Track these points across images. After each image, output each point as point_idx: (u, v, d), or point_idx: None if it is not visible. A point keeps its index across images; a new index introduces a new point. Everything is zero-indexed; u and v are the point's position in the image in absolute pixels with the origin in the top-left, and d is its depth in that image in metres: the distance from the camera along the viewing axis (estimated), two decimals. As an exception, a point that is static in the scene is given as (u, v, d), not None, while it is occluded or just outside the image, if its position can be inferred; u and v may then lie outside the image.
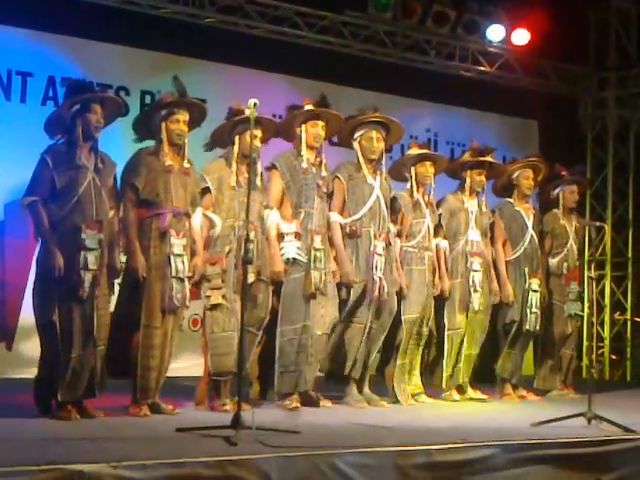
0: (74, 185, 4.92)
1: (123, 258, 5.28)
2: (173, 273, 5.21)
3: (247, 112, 5.28)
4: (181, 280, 5.24)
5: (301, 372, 5.78)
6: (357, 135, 6.16)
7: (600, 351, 10.08)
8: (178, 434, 4.42)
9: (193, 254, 5.39)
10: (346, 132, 6.19)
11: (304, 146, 5.90)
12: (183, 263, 5.25)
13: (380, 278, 6.02)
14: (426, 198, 6.56)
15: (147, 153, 5.35)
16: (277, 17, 8.57)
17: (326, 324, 5.86)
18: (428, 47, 9.30)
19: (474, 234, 6.81)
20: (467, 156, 6.94)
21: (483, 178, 6.88)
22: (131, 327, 5.20)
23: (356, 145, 6.16)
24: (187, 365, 7.16)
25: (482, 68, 9.59)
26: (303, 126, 5.93)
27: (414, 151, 6.58)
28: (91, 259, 4.89)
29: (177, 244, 5.24)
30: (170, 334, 5.28)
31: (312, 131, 5.92)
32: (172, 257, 5.22)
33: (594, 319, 9.71)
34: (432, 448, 4.25)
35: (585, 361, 9.72)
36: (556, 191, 7.52)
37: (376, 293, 6.00)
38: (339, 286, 6.01)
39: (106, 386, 5.11)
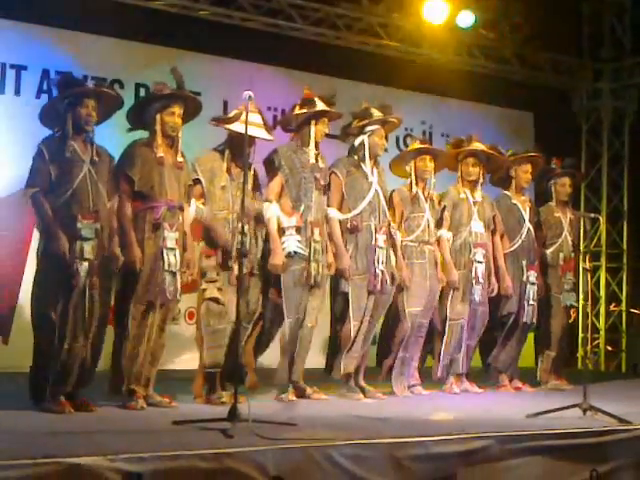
0: (69, 177, 4.93)
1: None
2: (166, 266, 5.20)
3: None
4: (173, 273, 5.24)
5: (295, 363, 5.80)
6: (369, 130, 6.13)
7: (595, 342, 10.09)
8: (175, 427, 4.43)
9: (185, 248, 5.37)
10: (356, 127, 6.15)
11: (312, 143, 5.90)
12: (175, 257, 5.24)
13: (382, 271, 6.04)
14: (426, 193, 6.57)
15: (141, 144, 5.33)
16: (271, 9, 8.56)
17: (315, 316, 5.88)
18: (422, 39, 9.29)
19: (477, 225, 6.81)
20: (450, 147, 6.97)
21: (470, 168, 6.82)
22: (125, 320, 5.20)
23: (366, 140, 6.13)
24: (184, 358, 7.18)
25: (477, 61, 9.59)
26: (313, 122, 5.90)
27: (414, 146, 6.60)
28: (87, 248, 4.90)
29: (170, 237, 5.23)
30: (160, 326, 5.27)
31: (321, 128, 5.93)
32: (165, 250, 5.21)
33: (589, 310, 9.74)
34: (428, 440, 4.26)
35: (580, 352, 9.77)
36: (548, 184, 7.53)
37: (378, 287, 6.02)
38: (338, 279, 6.02)
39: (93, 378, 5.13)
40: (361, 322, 6.02)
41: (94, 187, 4.99)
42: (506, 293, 6.98)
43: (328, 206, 6.04)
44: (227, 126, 5.57)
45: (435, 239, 6.63)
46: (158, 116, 5.32)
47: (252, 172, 5.69)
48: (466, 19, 9.10)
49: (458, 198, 6.80)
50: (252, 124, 5.36)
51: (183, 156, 5.42)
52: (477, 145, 6.87)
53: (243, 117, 5.00)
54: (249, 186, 5.59)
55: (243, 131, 4.93)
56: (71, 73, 5.23)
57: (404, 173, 6.61)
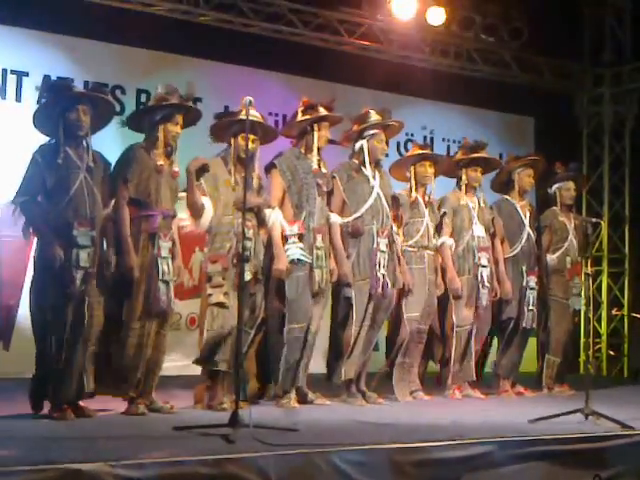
0: (66, 184, 4.90)
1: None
2: (160, 276, 5.18)
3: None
4: (166, 282, 5.22)
5: (300, 369, 5.80)
6: (367, 135, 6.14)
7: (597, 347, 10.09)
8: (176, 433, 4.42)
9: (174, 256, 5.33)
10: (355, 132, 6.16)
11: (316, 149, 5.91)
12: (168, 265, 5.23)
13: (383, 275, 6.03)
14: (426, 198, 6.58)
15: (140, 147, 5.30)
16: (272, 15, 8.57)
17: (317, 322, 5.89)
18: (423, 45, 9.30)
19: (479, 230, 6.81)
20: (460, 154, 6.96)
21: (478, 174, 6.88)
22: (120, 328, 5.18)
23: (365, 145, 6.13)
24: (184, 364, 7.16)
25: (477, 66, 9.60)
26: (316, 127, 5.91)
27: (414, 151, 6.60)
28: (83, 256, 4.88)
29: (164, 246, 5.22)
30: (159, 333, 5.26)
31: (323, 134, 5.94)
32: (159, 259, 5.20)
33: (591, 315, 9.72)
34: (430, 445, 4.25)
35: (582, 357, 9.75)
36: (552, 189, 7.52)
37: (379, 290, 6.01)
38: (340, 285, 6.01)
39: (97, 386, 5.10)
40: (360, 327, 6.01)
41: (90, 194, 4.96)
42: (506, 297, 6.97)
43: (329, 211, 6.05)
44: (232, 118, 5.57)
45: (437, 246, 6.63)
46: (162, 125, 5.29)
47: (256, 172, 5.68)
48: (436, 16, 8.93)
49: (458, 204, 6.80)
50: (253, 116, 5.37)
51: (177, 166, 5.40)
52: (482, 152, 6.88)
53: (244, 112, 5.00)
54: (253, 184, 5.58)
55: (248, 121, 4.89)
56: (62, 78, 5.19)
57: (404, 177, 6.62)
